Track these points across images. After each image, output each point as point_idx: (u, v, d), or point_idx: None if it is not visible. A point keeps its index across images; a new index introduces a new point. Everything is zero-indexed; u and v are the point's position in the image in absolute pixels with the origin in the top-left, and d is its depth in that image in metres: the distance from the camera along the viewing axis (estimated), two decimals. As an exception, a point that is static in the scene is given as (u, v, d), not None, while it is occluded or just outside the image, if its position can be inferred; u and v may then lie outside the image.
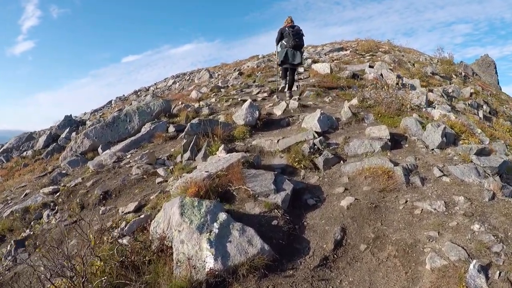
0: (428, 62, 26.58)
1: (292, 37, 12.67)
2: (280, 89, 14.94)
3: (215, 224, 5.56)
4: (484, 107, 20.01)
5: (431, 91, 17.72)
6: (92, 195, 9.21)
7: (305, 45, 14.09)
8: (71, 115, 23.59)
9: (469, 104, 18.51)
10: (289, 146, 9.22)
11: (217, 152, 9.14)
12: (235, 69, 28.83)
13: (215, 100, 15.58)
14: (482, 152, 8.93)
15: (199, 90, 18.95)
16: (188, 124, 11.19)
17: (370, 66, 19.52)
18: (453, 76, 25.16)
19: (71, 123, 22.12)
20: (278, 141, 9.61)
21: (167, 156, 10.35)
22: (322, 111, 10.43)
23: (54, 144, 19.12)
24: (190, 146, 9.75)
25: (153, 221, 6.37)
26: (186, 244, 5.34)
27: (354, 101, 12.27)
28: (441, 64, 26.84)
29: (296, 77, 14.61)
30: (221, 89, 18.45)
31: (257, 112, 11.38)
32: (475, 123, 15.20)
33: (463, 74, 27.58)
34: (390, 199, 7.06)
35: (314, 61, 22.71)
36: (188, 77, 38.30)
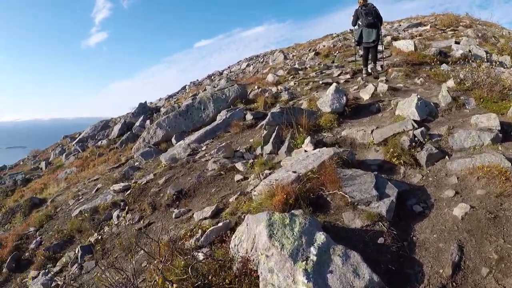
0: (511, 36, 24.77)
1: (365, 16, 12.69)
2: (363, 71, 14.46)
3: (312, 248, 4.38)
4: None
5: (523, 67, 16.28)
6: (165, 195, 8.66)
7: (383, 23, 13.89)
8: (145, 102, 23.32)
9: None
10: (385, 138, 8.25)
11: (302, 145, 8.33)
12: (310, 49, 27.84)
13: (294, 83, 14.69)
14: None
15: (275, 73, 18.10)
16: (269, 113, 10.30)
17: (456, 42, 18.11)
18: (543, 51, 23.22)
19: (145, 111, 21.80)
20: (372, 131, 8.66)
21: (246, 148, 9.64)
22: (419, 96, 9.38)
23: (129, 133, 18.85)
24: (272, 138, 8.94)
25: (233, 236, 5.40)
26: (276, 275, 4.22)
27: (450, 83, 11.14)
28: (528, 38, 24.63)
29: (378, 55, 14.45)
30: (299, 71, 17.54)
31: (344, 98, 10.40)
32: None
33: (556, 48, 25.46)
34: (510, 207, 5.89)
35: (394, 38, 21.43)
36: (262, 59, 37.57)
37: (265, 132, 9.27)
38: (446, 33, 22.27)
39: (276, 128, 9.11)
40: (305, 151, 8.04)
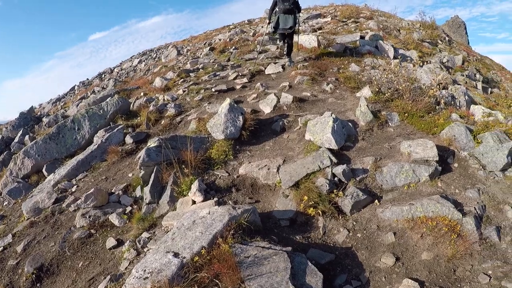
0: (411, 27, 24.61)
1: (282, 2, 12.25)
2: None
3: None
4: (477, 75, 19.20)
5: (429, 62, 16.12)
6: (23, 273, 6.06)
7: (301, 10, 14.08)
8: (31, 108, 18.52)
9: (466, 76, 17.74)
10: (297, 181, 6.29)
11: (189, 194, 6.24)
12: (206, 42, 25.87)
13: (183, 91, 12.29)
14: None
15: (164, 76, 15.69)
16: (144, 150, 7.53)
17: (361, 37, 16.98)
18: (439, 41, 23.71)
19: (27, 121, 17.76)
20: (278, 168, 6.70)
21: (124, 188, 7.36)
22: (334, 116, 7.51)
23: (6, 152, 14.87)
24: (150, 182, 6.74)
25: None
26: None
27: (366, 92, 9.55)
28: (424, 29, 24.94)
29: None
30: (190, 73, 15.08)
31: (241, 118, 8.21)
32: (483, 100, 13.71)
33: (447, 39, 26.10)
34: (465, 276, 4.58)
35: (296, 29, 19.99)
36: (155, 55, 34.77)
37: (142, 172, 7.10)
38: (349, 26, 21.24)
39: (154, 171, 6.83)
40: (193, 201, 6.02)
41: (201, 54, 20.58)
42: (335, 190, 6.00)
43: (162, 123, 9.87)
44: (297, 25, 13.19)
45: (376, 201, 5.92)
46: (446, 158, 6.95)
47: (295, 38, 14.47)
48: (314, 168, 6.36)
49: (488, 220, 5.51)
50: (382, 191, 6.18)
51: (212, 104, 10.30)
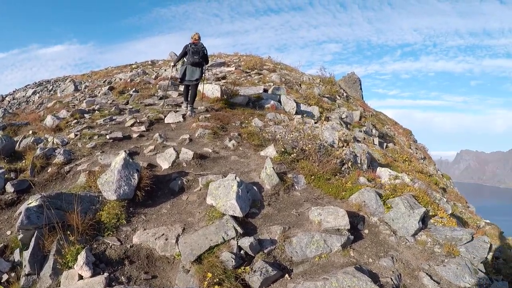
0: (311, 81, 25.21)
1: (192, 54, 12.60)
2: (183, 104, 14.13)
3: None
4: (374, 131, 19.96)
5: (328, 118, 16.56)
6: None
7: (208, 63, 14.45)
8: None
9: (364, 131, 18.35)
10: (199, 255, 5.51)
11: (75, 266, 5.35)
12: (106, 80, 24.73)
13: (75, 135, 11.18)
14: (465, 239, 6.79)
15: (56, 115, 14.40)
16: (23, 211, 6.10)
17: (265, 90, 16.94)
18: (337, 97, 24.59)
19: None
20: (177, 238, 5.91)
21: (2, 248, 6.36)
22: (238, 179, 6.88)
23: None
24: (30, 249, 5.75)
25: None
26: None
27: (271, 152, 9.16)
28: (323, 84, 25.80)
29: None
30: (85, 114, 13.93)
31: (136, 175, 7.26)
32: (381, 156, 13.92)
33: (344, 94, 27.17)
34: None
35: (202, 79, 19.65)
36: (51, 87, 32.74)
37: (21, 235, 6.08)
38: (252, 77, 21.26)
39: (35, 236, 5.71)
40: (80, 276, 5.19)
41: (99, 93, 19.45)
42: (242, 266, 5.37)
43: (49, 171, 8.72)
44: (203, 75, 13.50)
45: (287, 275, 5.36)
46: (356, 224, 6.71)
47: (200, 87, 14.57)
48: (218, 240, 5.69)
49: (405, 291, 5.23)
50: (292, 264, 5.67)
51: (106, 154, 9.38)
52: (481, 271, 6.30)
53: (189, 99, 13.49)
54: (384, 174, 9.46)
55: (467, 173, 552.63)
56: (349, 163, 9.25)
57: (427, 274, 5.70)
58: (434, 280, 5.60)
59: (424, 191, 8.77)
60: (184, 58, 13.14)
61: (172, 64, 14.34)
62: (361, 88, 46.70)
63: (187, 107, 13.51)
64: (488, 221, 15.78)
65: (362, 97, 43.79)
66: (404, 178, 9.28)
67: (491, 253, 7.52)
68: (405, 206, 6.77)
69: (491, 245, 6.88)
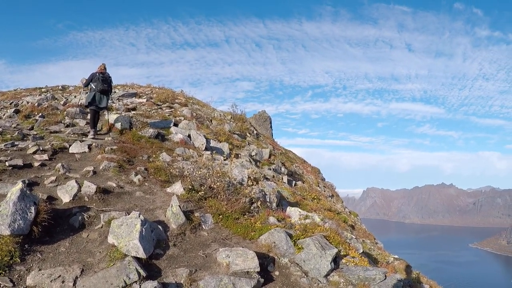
0: (222, 117, 25.36)
1: (101, 82, 13.85)
2: (91, 132, 14.16)
3: None
4: (283, 169, 20.28)
5: (238, 156, 16.68)
6: None
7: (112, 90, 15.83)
8: None
9: (273, 169, 18.64)
10: None
11: None
12: (12, 102, 23.15)
13: None
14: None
15: None
16: None
17: (175, 124, 16.74)
18: (248, 134, 24.88)
19: None
20: (74, 281, 5.38)
21: None
22: (142, 217, 6.51)
23: None
24: None
25: None
26: None
27: (178, 188, 8.85)
28: (234, 121, 26.16)
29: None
30: None
31: (33, 209, 6.53)
32: (290, 194, 14.06)
33: (255, 132, 27.31)
34: None
35: (108, 108, 19.07)
36: (-50, 106, 30.57)
37: None
38: (163, 110, 20.92)
39: None
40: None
41: (4, 115, 18.22)
42: None
43: None
44: (108, 103, 14.86)
45: None
46: (266, 265, 6.54)
47: (106, 115, 15.66)
48: (119, 284, 5.26)
49: None
50: None
51: (3, 182, 8.60)
52: None
53: (94, 124, 14.20)
54: (294, 213, 9.47)
55: (374, 210, 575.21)
56: (258, 202, 9.13)
57: None
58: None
59: (335, 230, 8.85)
60: (92, 85, 14.01)
61: (83, 88, 15.52)
62: (271, 126, 47.58)
63: (93, 134, 13.81)
64: (396, 256, 16.34)
65: (272, 135, 44.62)
66: (315, 217, 9.34)
67: None
68: (316, 247, 6.71)
69: (402, 281, 7.02)
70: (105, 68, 14.43)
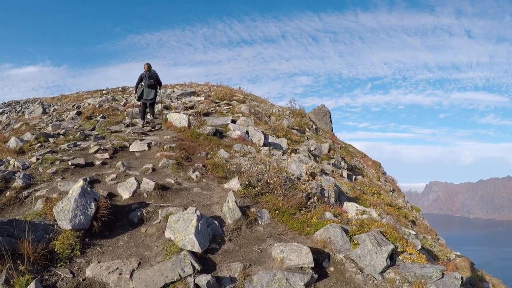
0: (281, 113, 25.18)
1: (148, 78, 15.46)
2: (139, 123, 16.07)
3: None
4: (343, 163, 19.89)
5: (297, 151, 16.44)
6: None
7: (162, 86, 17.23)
8: None
9: (333, 164, 18.30)
10: None
11: None
12: (75, 105, 24.13)
13: (37, 159, 10.72)
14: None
15: (20, 137, 13.85)
16: None
17: (233, 121, 16.85)
18: (307, 129, 24.58)
19: None
20: (132, 273, 5.58)
21: None
22: (199, 212, 6.60)
23: None
24: None
25: None
26: None
27: (235, 184, 8.92)
28: (293, 116, 25.90)
29: (155, 110, 16.67)
30: (50, 138, 13.45)
31: (94, 205, 6.87)
32: (349, 189, 13.85)
33: (314, 126, 26.99)
34: None
35: (166, 107, 19.59)
36: (20, 108, 31.97)
37: None
38: (221, 108, 21.09)
39: None
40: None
41: (67, 117, 19.04)
42: None
43: (7, 194, 8.25)
44: (157, 96, 16.41)
45: None
46: (321, 261, 6.45)
47: (167, 116, 16.58)
48: (173, 277, 5.36)
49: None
50: None
51: (66, 180, 9.01)
52: None
53: (144, 117, 16.05)
54: (351, 209, 9.31)
55: (437, 204, 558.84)
56: (315, 197, 9.02)
57: None
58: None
59: (393, 226, 8.59)
60: (142, 83, 15.65)
61: (134, 92, 16.60)
62: (331, 121, 47.09)
63: (142, 125, 15.81)
64: (458, 253, 15.77)
65: (332, 130, 44.16)
66: (372, 213, 9.15)
67: (463, 287, 7.40)
68: (372, 243, 6.56)
69: (463, 278, 6.77)
70: (149, 66, 15.80)
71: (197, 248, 6.00)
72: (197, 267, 5.62)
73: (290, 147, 15.58)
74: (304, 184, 9.16)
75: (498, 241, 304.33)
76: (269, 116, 22.89)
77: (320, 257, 6.50)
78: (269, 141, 15.97)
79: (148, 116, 16.44)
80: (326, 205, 9.02)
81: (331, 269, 6.38)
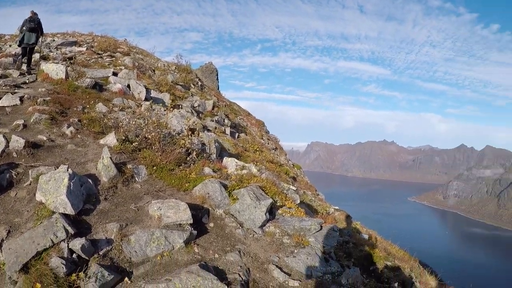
0: (166, 68, 24.69)
1: (29, 23, 15.78)
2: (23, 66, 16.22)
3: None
4: (226, 121, 20.14)
5: (180, 106, 16.25)
6: None
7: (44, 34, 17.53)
8: None
9: (216, 121, 18.41)
10: (25, 263, 4.76)
11: None
12: None
13: None
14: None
15: None
16: None
17: (114, 74, 16.22)
18: (192, 85, 24.49)
19: None
20: (1, 243, 5.11)
21: None
22: (71, 171, 6.17)
23: None
24: None
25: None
26: None
27: (111, 140, 8.54)
28: (178, 71, 25.47)
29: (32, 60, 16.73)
30: None
31: None
32: (232, 146, 13.99)
33: (199, 83, 26.82)
34: None
35: (44, 57, 18.27)
36: None
37: None
38: (103, 59, 20.24)
39: None
40: None
41: None
42: (75, 271, 4.74)
43: None
44: (39, 42, 16.85)
45: (126, 278, 4.91)
46: (201, 217, 6.46)
47: (43, 66, 15.46)
48: (46, 244, 4.99)
49: (255, 285, 5.20)
50: (132, 265, 5.21)
51: None
52: (332, 259, 6.48)
53: (26, 62, 16.32)
54: (231, 164, 9.37)
55: (317, 163, 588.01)
56: (194, 153, 8.92)
57: (277, 266, 5.65)
58: (284, 272, 5.57)
59: (272, 181, 8.82)
60: (24, 27, 15.90)
61: (19, 33, 16.95)
62: (217, 79, 47.33)
63: (28, 70, 15.85)
64: (337, 207, 16.66)
65: (218, 88, 44.37)
66: (252, 168, 9.28)
67: (341, 238, 7.76)
68: (251, 198, 6.67)
69: (341, 230, 7.09)
70: (34, 14, 16.34)
71: (69, 210, 5.66)
72: (71, 230, 5.29)
73: (173, 102, 15.37)
74: (184, 139, 9.00)
75: (374, 197, 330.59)
76: (154, 71, 22.34)
77: (200, 213, 6.50)
78: (151, 95, 15.59)
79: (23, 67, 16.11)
80: (206, 160, 8.98)
81: (211, 224, 6.42)
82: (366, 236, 11.90)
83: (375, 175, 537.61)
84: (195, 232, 5.88)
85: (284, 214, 7.32)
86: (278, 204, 7.76)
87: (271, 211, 7.08)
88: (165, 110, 12.49)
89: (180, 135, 9.41)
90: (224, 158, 9.90)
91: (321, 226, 7.01)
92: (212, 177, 7.69)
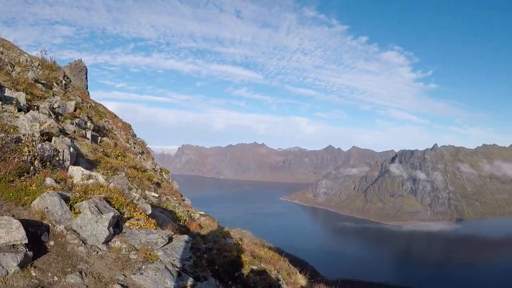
0: (29, 64, 23.11)
1: None
2: None
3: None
4: (89, 123, 19.39)
5: (37, 108, 15.09)
6: None
7: None
8: None
9: (76, 124, 17.48)
10: None
11: None
12: None
13: None
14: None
15: None
16: None
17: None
18: (55, 84, 23.13)
19: None
20: None
21: None
22: None
23: None
24: None
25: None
26: None
27: None
28: (42, 68, 24.01)
29: None
30: None
31: None
32: (91, 151, 13.44)
33: (63, 82, 25.71)
34: None
35: None
36: None
37: None
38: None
39: None
40: None
41: None
42: None
43: None
44: None
45: None
46: (40, 235, 5.94)
47: None
48: None
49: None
50: None
51: None
52: (186, 272, 6.29)
53: None
54: (76, 173, 8.83)
55: (189, 166, 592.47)
56: (36, 161, 8.14)
57: (122, 286, 5.36)
58: (130, 290, 5.23)
59: (119, 191, 8.44)
60: None
61: None
62: (86, 78, 45.40)
63: None
64: (202, 212, 16.67)
65: (87, 87, 42.68)
66: (99, 177, 8.90)
67: (204, 246, 7.64)
68: (91, 211, 6.31)
69: (204, 236, 6.96)
70: None
71: None
72: None
73: (30, 103, 14.38)
74: (28, 145, 8.24)
75: (246, 198, 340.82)
76: (13, 66, 20.64)
77: (39, 230, 5.99)
78: (5, 94, 14.46)
79: None
80: (49, 170, 8.26)
81: (51, 243, 5.93)
82: (232, 241, 11.92)
83: (247, 176, 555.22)
84: (30, 253, 5.32)
85: (132, 226, 7.01)
86: (126, 216, 7.43)
87: (118, 224, 6.75)
88: (18, 112, 11.58)
89: (23, 141, 8.55)
90: (70, 167, 9.23)
91: (170, 238, 6.85)
92: (54, 188, 7.08)
